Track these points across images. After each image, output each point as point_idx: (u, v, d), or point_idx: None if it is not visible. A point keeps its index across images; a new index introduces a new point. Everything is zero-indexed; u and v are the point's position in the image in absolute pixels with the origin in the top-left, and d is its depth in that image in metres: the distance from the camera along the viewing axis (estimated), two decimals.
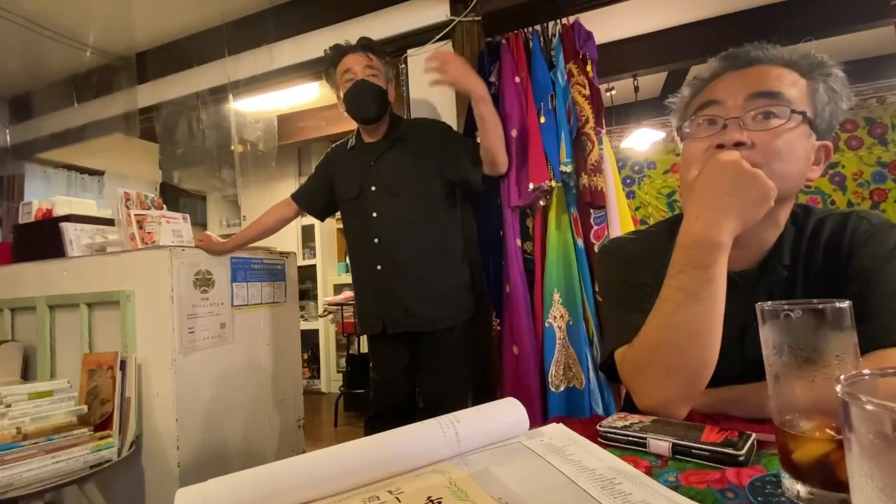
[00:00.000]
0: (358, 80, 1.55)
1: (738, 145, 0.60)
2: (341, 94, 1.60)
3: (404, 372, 1.62)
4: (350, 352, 3.65)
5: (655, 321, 0.61)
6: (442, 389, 1.58)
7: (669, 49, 2.94)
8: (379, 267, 1.57)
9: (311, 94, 3.05)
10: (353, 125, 1.70)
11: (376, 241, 1.58)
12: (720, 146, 0.62)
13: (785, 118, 0.60)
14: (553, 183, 1.70)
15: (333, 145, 1.78)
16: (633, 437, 0.50)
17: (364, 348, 3.55)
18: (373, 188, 1.60)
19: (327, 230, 4.29)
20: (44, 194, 3.34)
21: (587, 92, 1.76)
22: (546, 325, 1.72)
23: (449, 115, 1.99)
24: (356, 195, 1.62)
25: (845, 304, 0.39)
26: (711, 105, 0.66)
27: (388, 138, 1.63)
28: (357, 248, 1.66)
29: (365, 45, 1.59)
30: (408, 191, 1.57)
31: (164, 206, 1.92)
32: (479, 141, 1.57)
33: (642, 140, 3.50)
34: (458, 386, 1.62)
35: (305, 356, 4.21)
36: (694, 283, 0.57)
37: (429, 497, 0.37)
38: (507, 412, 0.50)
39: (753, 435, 0.47)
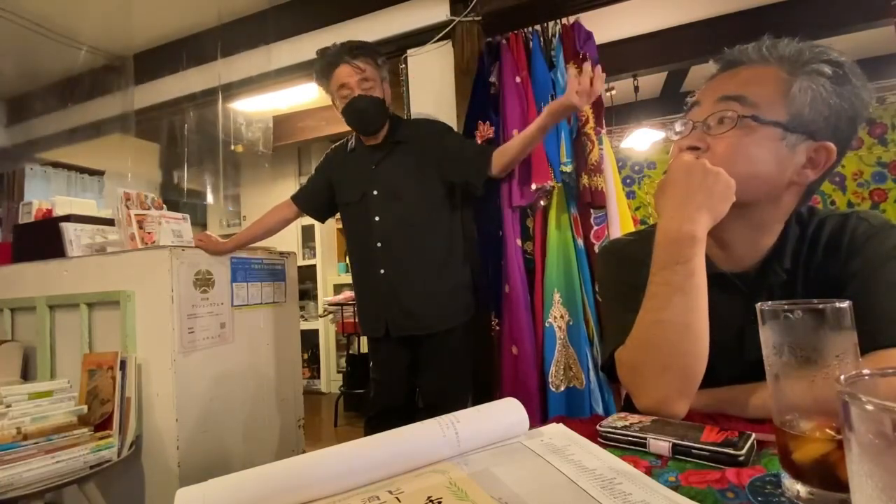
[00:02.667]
0: (355, 97, 1.52)
1: (692, 149, 0.64)
2: (339, 107, 1.58)
3: (405, 372, 1.62)
4: (350, 352, 3.65)
5: (645, 318, 0.62)
6: (443, 390, 1.58)
7: (669, 49, 2.94)
8: (382, 271, 1.57)
9: (310, 94, 3.05)
10: None
11: (379, 245, 1.57)
12: (681, 149, 0.65)
13: (734, 123, 0.61)
14: (554, 183, 1.70)
15: (333, 146, 1.77)
16: (633, 437, 0.50)
17: (364, 348, 3.55)
18: (375, 192, 1.59)
19: (327, 230, 4.29)
20: (44, 194, 3.33)
21: None
22: (546, 325, 1.72)
23: (449, 116, 1.99)
24: (358, 199, 1.62)
25: (845, 304, 0.39)
26: (693, 107, 0.68)
27: (389, 141, 1.61)
28: (359, 252, 1.66)
29: (355, 52, 1.52)
30: (410, 194, 1.56)
31: (164, 205, 1.92)
32: (506, 144, 1.54)
33: (642, 140, 3.49)
34: (459, 386, 1.62)
35: (305, 356, 4.21)
36: (677, 278, 0.59)
37: (429, 497, 0.37)
38: (507, 412, 0.50)
39: (753, 435, 0.47)
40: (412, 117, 2.07)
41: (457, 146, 1.61)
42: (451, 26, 1.97)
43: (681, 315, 0.58)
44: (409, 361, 1.61)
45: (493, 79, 1.90)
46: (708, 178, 0.60)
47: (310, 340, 4.19)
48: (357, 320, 1.84)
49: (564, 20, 1.86)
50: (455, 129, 1.93)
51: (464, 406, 1.60)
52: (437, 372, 1.58)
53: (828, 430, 0.38)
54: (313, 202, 1.77)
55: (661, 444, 0.48)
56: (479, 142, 1.80)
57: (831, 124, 0.62)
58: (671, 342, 0.59)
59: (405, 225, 1.56)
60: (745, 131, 0.61)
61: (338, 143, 1.76)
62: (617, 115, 3.73)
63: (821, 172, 0.64)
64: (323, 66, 1.56)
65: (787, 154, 0.62)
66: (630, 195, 3.88)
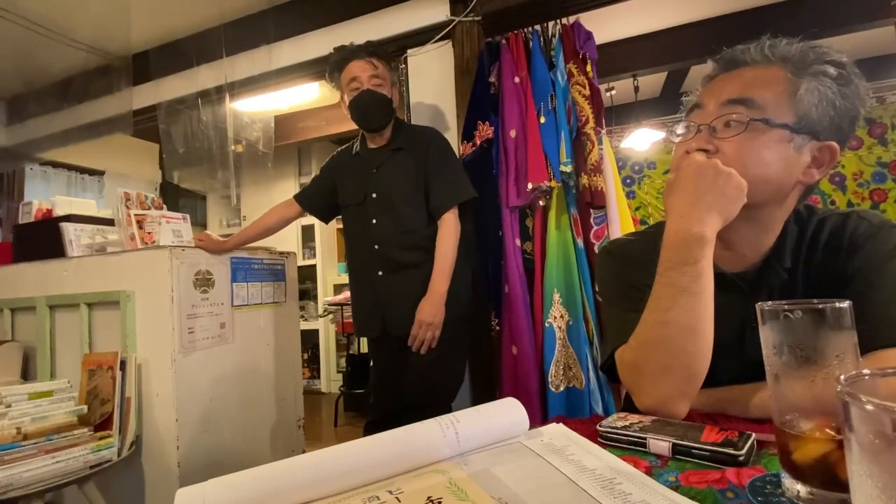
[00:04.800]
0: (364, 90, 1.54)
1: (702, 152, 0.63)
2: (346, 101, 1.60)
3: (398, 371, 1.62)
4: (350, 352, 3.65)
5: (650, 318, 0.61)
6: (431, 386, 1.57)
7: (669, 49, 2.94)
8: (380, 272, 1.58)
9: (311, 94, 3.06)
10: (353, 124, 1.70)
11: (377, 247, 1.59)
12: (689, 151, 0.64)
13: (743, 127, 0.61)
14: (553, 183, 1.70)
15: (340, 149, 1.78)
16: (633, 437, 0.50)
17: (364, 348, 3.55)
18: (374, 195, 1.60)
19: (327, 230, 4.30)
20: (44, 194, 3.34)
21: (587, 92, 1.76)
22: (546, 325, 1.72)
23: (449, 116, 1.99)
24: (360, 201, 1.63)
25: (845, 304, 0.39)
26: (696, 109, 0.68)
27: (390, 147, 1.63)
28: (357, 253, 1.67)
29: (371, 51, 1.58)
30: (407, 200, 1.57)
31: (164, 206, 1.92)
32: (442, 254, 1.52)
33: (642, 140, 3.49)
34: (448, 382, 1.61)
35: (305, 356, 4.21)
36: (685, 279, 0.58)
37: (429, 497, 0.37)
38: (507, 412, 0.50)
39: (753, 435, 0.47)
40: (411, 118, 2.08)
41: (437, 176, 1.57)
42: (451, 26, 1.97)
43: (686, 317, 0.58)
44: (399, 357, 1.60)
45: (492, 79, 1.90)
46: (719, 179, 0.59)
47: (310, 340, 4.19)
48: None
49: (564, 20, 1.86)
50: (455, 129, 1.94)
51: (450, 402, 1.61)
52: (427, 369, 1.56)
53: (828, 430, 0.38)
54: (317, 202, 1.78)
55: (661, 444, 0.48)
56: (479, 142, 1.80)
57: (835, 124, 0.62)
58: (675, 343, 0.58)
59: (402, 230, 1.57)
60: (753, 134, 0.61)
61: (344, 146, 1.77)
62: (617, 115, 3.73)
63: (825, 172, 0.64)
64: (338, 60, 1.60)
65: (795, 155, 0.62)
66: (630, 195, 3.88)
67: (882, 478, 0.22)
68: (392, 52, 2.11)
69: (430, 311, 1.47)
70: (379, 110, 1.57)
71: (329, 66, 1.64)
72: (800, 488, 0.38)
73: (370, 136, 1.65)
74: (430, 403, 1.54)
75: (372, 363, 1.73)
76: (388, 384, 1.66)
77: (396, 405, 1.64)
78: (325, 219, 1.83)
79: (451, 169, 1.60)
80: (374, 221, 1.59)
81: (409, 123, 1.71)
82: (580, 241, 1.73)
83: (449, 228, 1.53)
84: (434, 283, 1.49)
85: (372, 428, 1.67)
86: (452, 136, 1.95)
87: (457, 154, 1.90)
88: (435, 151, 1.59)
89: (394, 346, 1.59)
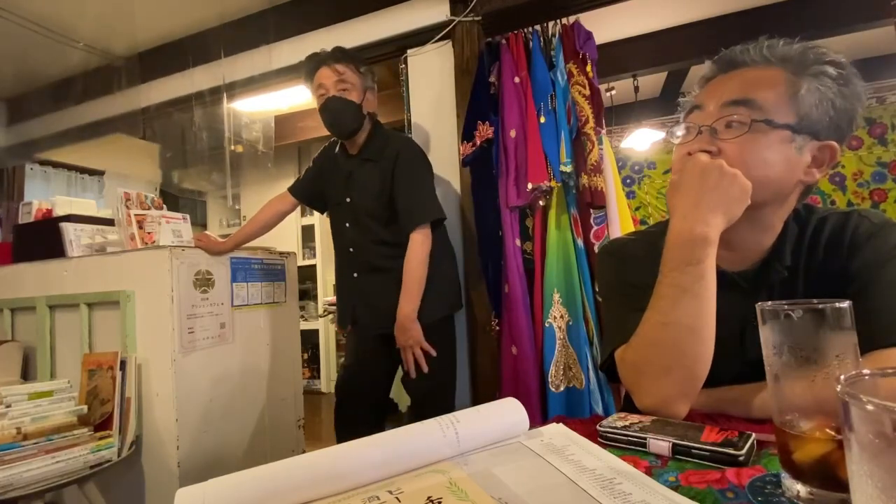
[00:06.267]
0: (329, 97, 1.53)
1: (705, 153, 0.63)
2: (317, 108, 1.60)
3: (377, 363, 1.63)
4: None
5: (652, 319, 0.61)
6: (425, 388, 1.57)
7: (669, 49, 2.94)
8: (355, 274, 1.62)
9: (310, 94, 3.05)
10: None
11: (351, 250, 1.63)
12: (691, 153, 0.64)
13: (746, 128, 0.61)
14: (553, 183, 1.70)
15: (327, 143, 1.78)
16: (633, 437, 0.50)
17: None
18: (348, 200, 1.62)
19: (327, 230, 4.28)
20: (44, 194, 3.34)
21: (587, 92, 1.76)
22: (546, 325, 1.72)
23: (449, 116, 1.99)
24: (338, 202, 1.66)
25: (845, 304, 0.39)
26: (695, 110, 0.67)
27: (360, 156, 1.62)
28: (337, 252, 1.72)
29: (337, 57, 1.55)
30: (373, 213, 1.58)
31: (164, 206, 1.92)
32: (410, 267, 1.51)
33: (642, 140, 3.50)
34: (442, 383, 1.61)
35: (305, 356, 4.21)
36: (688, 280, 0.58)
37: (429, 497, 0.37)
38: (507, 412, 0.50)
39: (753, 435, 0.47)
40: (412, 118, 2.07)
41: (405, 188, 1.55)
42: (451, 26, 1.97)
43: (689, 318, 0.58)
44: (387, 356, 1.61)
45: (492, 79, 1.90)
46: (724, 180, 0.59)
47: (310, 340, 4.18)
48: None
49: (564, 20, 1.86)
50: (455, 129, 1.94)
51: (449, 403, 1.61)
52: (417, 370, 1.56)
53: (828, 430, 0.38)
54: (311, 193, 1.78)
55: (661, 444, 0.48)
56: (479, 142, 1.80)
57: (834, 124, 0.62)
58: (677, 344, 0.58)
59: (372, 238, 1.58)
60: (756, 135, 0.61)
61: (331, 142, 1.76)
62: (617, 115, 3.73)
63: (825, 171, 0.65)
64: (308, 69, 1.60)
65: (796, 155, 0.62)
66: (630, 195, 3.88)
67: (882, 478, 0.22)
68: (392, 52, 2.12)
69: (403, 337, 1.48)
70: (345, 116, 1.55)
71: (301, 74, 1.64)
72: (800, 488, 0.38)
73: (346, 141, 1.65)
74: (428, 404, 1.55)
75: (346, 349, 1.73)
76: (358, 369, 1.66)
77: (363, 389, 1.64)
78: (321, 209, 1.82)
79: (417, 186, 1.56)
80: (348, 225, 1.63)
81: (387, 132, 1.66)
82: (580, 241, 1.73)
83: (415, 248, 1.50)
84: (400, 306, 1.48)
85: (339, 413, 1.66)
86: (452, 137, 1.95)
87: (459, 160, 1.90)
88: (401, 167, 1.55)
89: (374, 337, 1.60)
